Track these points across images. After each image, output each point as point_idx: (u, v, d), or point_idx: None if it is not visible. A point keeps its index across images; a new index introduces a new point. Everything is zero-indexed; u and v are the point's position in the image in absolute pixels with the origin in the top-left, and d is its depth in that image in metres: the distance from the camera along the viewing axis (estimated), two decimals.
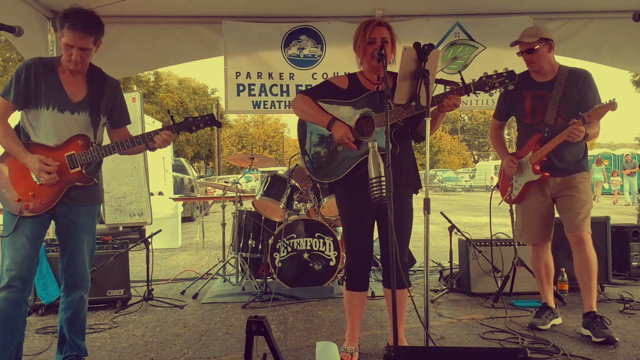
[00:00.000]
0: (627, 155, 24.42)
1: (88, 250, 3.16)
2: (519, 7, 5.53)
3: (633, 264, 5.54)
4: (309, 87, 3.86)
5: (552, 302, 4.10)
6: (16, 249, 2.91)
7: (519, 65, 5.72)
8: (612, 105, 3.50)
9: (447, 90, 3.07)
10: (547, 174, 3.83)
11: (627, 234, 5.49)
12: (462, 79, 3.07)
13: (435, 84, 3.02)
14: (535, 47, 3.78)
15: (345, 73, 3.51)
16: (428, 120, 2.84)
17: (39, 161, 2.91)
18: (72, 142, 3.02)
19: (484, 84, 3.07)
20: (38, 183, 2.95)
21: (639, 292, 4.63)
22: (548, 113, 3.81)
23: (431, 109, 2.93)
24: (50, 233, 4.37)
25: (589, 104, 3.74)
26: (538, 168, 3.84)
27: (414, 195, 3.33)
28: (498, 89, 3.10)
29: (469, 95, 3.13)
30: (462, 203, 24.17)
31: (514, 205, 4.20)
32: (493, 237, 5.02)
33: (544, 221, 3.98)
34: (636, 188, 21.06)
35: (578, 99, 3.78)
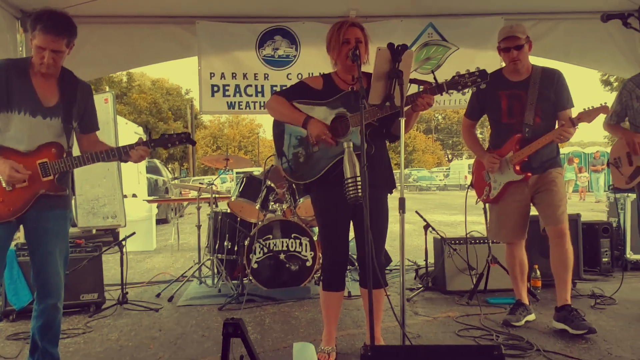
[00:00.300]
0: (596, 152, 24.92)
1: (61, 256, 3.04)
2: (491, 7, 5.61)
3: (603, 260, 5.66)
4: (283, 88, 3.85)
5: (525, 299, 4.16)
6: None
7: (491, 65, 5.78)
8: (604, 109, 3.60)
9: (421, 89, 3.09)
10: (530, 174, 3.85)
11: (597, 231, 5.61)
12: (435, 78, 3.10)
13: (409, 84, 3.04)
14: (523, 44, 3.78)
15: (319, 74, 3.51)
16: (402, 120, 2.85)
17: (10, 167, 2.81)
18: (45, 150, 2.93)
19: (457, 83, 3.10)
20: (7, 189, 2.87)
21: (610, 287, 4.72)
22: (527, 113, 3.81)
23: (405, 109, 2.95)
24: (21, 237, 4.29)
25: (564, 104, 3.82)
26: (518, 168, 3.85)
27: (389, 194, 3.35)
28: (470, 88, 3.13)
29: (442, 95, 3.16)
30: (436, 202, 24.37)
31: (487, 204, 4.23)
32: (467, 236, 5.07)
33: (520, 220, 4.01)
34: (602, 184, 21.51)
35: (554, 99, 3.83)
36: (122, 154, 3.06)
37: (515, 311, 4.06)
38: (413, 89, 3.16)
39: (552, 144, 3.87)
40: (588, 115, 3.61)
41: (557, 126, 3.85)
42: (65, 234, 3.12)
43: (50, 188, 2.96)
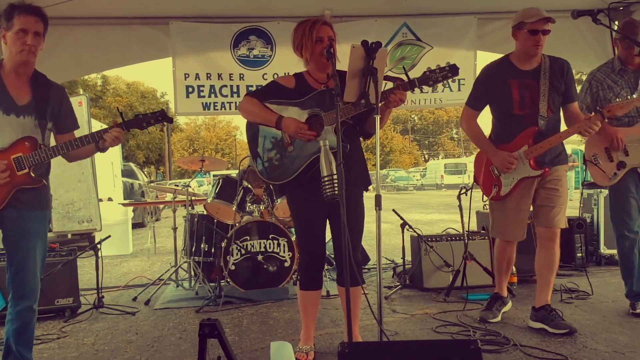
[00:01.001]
0: None
1: (39, 257, 3.01)
2: (464, 7, 5.66)
3: (578, 255, 5.74)
4: (259, 88, 3.84)
5: (505, 292, 4.19)
6: None
7: (465, 64, 5.87)
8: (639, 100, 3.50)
9: (394, 86, 3.11)
10: (547, 169, 3.67)
11: (571, 226, 5.68)
12: (406, 74, 3.13)
13: (383, 82, 3.06)
14: (550, 30, 3.57)
15: (291, 73, 3.51)
16: (377, 118, 2.86)
17: None
18: (19, 144, 2.90)
19: (428, 78, 3.13)
20: None
21: (584, 282, 4.78)
22: (541, 104, 3.61)
23: (379, 104, 2.96)
24: None
25: (573, 96, 3.72)
26: (534, 163, 3.66)
27: (366, 193, 3.36)
28: (443, 81, 3.15)
29: (413, 91, 3.18)
30: (414, 201, 24.53)
31: (488, 202, 4.03)
32: (443, 233, 5.11)
33: (526, 217, 3.87)
34: (573, 182, 21.83)
35: (563, 90, 3.69)
36: (98, 139, 3.02)
37: (492, 306, 4.08)
38: (388, 86, 3.17)
39: None
40: (620, 107, 3.48)
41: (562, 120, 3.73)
42: (45, 235, 3.09)
43: (26, 181, 2.93)
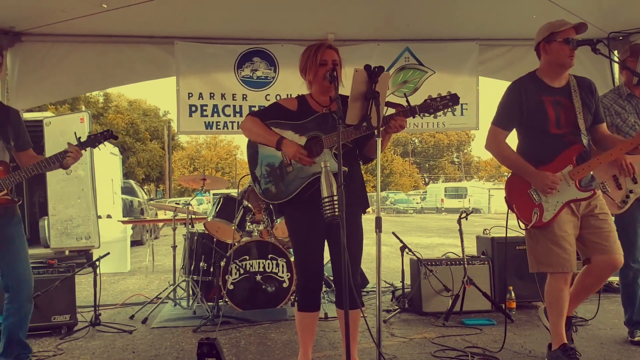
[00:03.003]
0: None
1: (25, 252, 3.46)
2: (465, 33, 5.73)
3: None
4: (261, 108, 3.88)
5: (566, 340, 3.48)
6: None
7: (467, 90, 5.94)
8: None
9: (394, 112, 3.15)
10: (596, 190, 3.41)
11: None
12: (407, 101, 3.15)
13: (385, 107, 3.09)
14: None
15: (293, 95, 3.55)
16: (379, 141, 2.89)
17: None
18: None
19: (429, 106, 3.15)
20: None
21: (583, 308, 4.76)
22: (580, 122, 3.38)
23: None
24: None
25: (601, 117, 3.59)
26: (579, 184, 3.37)
27: (366, 215, 3.37)
28: (442, 111, 3.17)
29: (414, 117, 3.20)
30: (413, 224, 24.49)
31: (525, 231, 3.54)
32: (443, 257, 5.10)
33: (575, 244, 3.42)
34: None
35: (593, 108, 3.51)
36: (61, 160, 3.45)
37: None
38: (389, 111, 3.21)
39: None
40: None
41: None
42: (24, 236, 3.52)
43: (7, 202, 3.36)
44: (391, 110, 3.20)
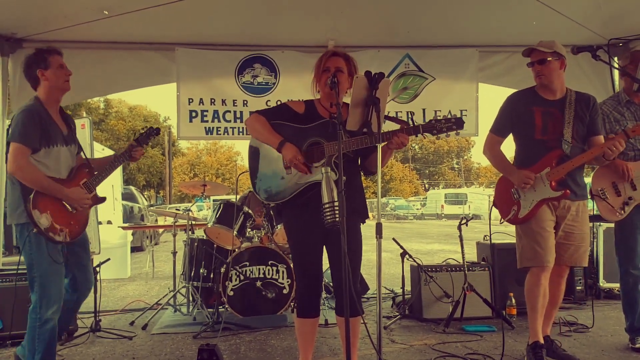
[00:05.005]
0: None
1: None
2: (466, 40, 5.74)
3: (577, 288, 5.72)
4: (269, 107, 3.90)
5: (541, 339, 3.69)
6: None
7: (467, 95, 5.96)
8: None
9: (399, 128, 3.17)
10: (568, 191, 3.62)
11: None
12: (412, 121, 3.23)
13: (384, 121, 3.11)
14: (548, 59, 3.65)
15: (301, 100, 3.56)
16: (380, 147, 2.91)
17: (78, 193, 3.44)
18: (80, 171, 3.54)
19: (432, 127, 3.17)
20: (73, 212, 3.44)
21: (583, 315, 4.76)
22: (566, 130, 3.63)
23: (381, 144, 3.01)
24: None
25: (597, 129, 3.75)
26: (554, 185, 3.62)
27: (367, 221, 3.37)
28: (446, 133, 3.19)
29: (417, 136, 3.22)
30: (413, 230, 24.47)
31: (515, 229, 3.86)
32: (443, 263, 5.10)
33: (553, 241, 3.69)
34: None
35: (587, 122, 3.72)
36: (129, 156, 3.74)
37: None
38: (390, 126, 3.23)
39: (582, 172, 3.80)
40: None
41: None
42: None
43: (97, 200, 3.69)
44: (395, 126, 3.23)
